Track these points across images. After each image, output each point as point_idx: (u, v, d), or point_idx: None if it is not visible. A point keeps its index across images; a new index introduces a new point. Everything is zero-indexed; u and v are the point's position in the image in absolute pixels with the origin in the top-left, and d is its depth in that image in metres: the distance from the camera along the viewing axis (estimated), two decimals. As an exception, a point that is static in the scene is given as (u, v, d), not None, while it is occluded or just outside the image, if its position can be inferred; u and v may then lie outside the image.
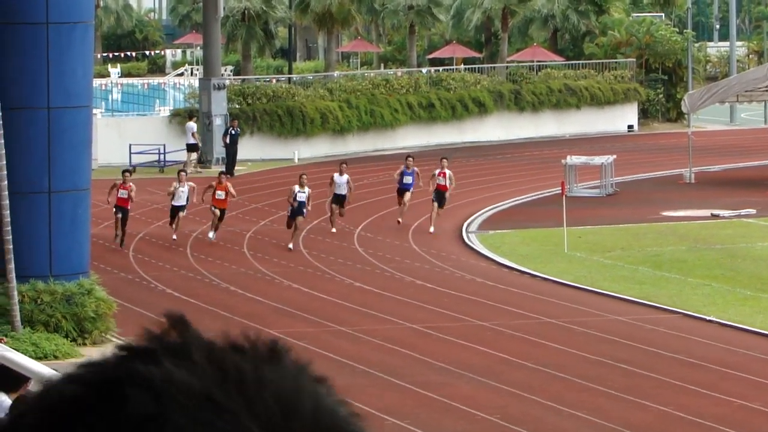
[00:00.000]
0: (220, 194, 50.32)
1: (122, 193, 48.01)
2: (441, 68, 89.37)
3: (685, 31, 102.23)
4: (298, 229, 51.70)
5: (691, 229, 54.48)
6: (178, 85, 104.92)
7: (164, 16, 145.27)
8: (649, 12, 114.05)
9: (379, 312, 42.57)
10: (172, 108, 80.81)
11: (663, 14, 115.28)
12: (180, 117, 75.33)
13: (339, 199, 52.75)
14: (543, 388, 35.87)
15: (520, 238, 51.46)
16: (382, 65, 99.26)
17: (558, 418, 33.53)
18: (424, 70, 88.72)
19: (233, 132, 69.80)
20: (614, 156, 65.40)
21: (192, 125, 72.27)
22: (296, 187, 51.24)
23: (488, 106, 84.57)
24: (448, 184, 49.09)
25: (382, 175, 67.19)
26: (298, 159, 74.12)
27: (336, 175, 52.52)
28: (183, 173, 50.26)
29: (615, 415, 33.36)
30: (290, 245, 51.05)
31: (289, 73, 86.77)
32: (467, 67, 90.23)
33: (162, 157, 72.40)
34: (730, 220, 56.11)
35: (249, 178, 69.20)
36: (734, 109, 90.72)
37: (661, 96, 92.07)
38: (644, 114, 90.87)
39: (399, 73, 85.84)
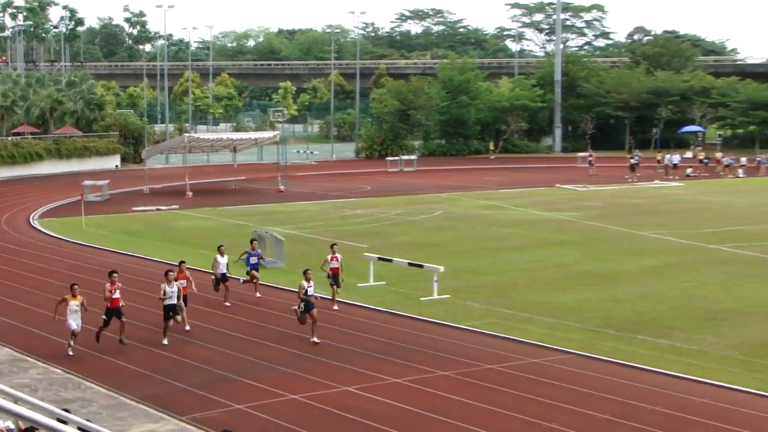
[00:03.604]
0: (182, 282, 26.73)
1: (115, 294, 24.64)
2: None
3: (143, 118, 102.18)
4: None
5: (149, 215, 54.84)
6: None
7: None
8: (125, 109, 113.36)
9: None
10: None
11: (132, 110, 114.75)
12: None
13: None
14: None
15: (63, 223, 51.00)
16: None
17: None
18: None
19: None
20: (108, 181, 65.48)
21: None
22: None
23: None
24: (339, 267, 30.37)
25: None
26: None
27: (218, 257, 31.07)
28: (171, 273, 25.94)
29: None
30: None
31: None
32: None
33: None
34: (165, 212, 56.86)
35: None
36: (168, 157, 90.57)
37: (131, 150, 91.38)
38: (123, 159, 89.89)
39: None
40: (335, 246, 31.08)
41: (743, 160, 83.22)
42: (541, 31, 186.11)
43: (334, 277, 29.97)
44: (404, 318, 28.55)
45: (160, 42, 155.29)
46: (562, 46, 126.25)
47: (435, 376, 22.58)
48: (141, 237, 46.09)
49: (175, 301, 25.64)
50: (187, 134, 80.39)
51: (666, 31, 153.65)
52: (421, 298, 30.75)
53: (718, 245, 41.65)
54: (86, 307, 24.36)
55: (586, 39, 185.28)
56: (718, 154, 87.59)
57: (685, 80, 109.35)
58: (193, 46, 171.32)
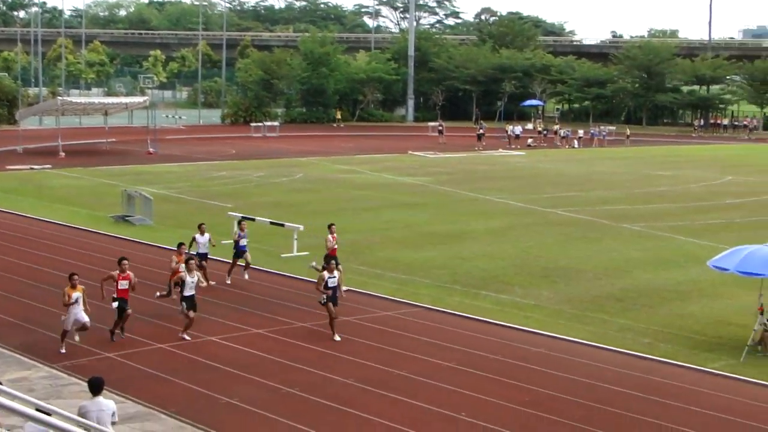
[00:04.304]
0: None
1: (122, 284, 20.92)
2: None
3: (17, 82, 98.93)
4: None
5: (23, 174, 53.26)
6: None
7: None
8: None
9: None
10: None
11: (6, 74, 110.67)
12: None
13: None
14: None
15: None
16: None
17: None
18: None
19: None
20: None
21: None
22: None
23: None
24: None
25: None
26: None
27: (197, 235, 26.37)
28: (192, 261, 22.13)
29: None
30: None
31: None
32: None
33: None
34: (38, 171, 55.29)
35: None
36: (41, 119, 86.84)
37: (5, 111, 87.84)
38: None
39: None
40: (333, 226, 26.78)
41: (581, 132, 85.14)
42: (396, 9, 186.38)
43: (331, 258, 24.31)
44: (266, 273, 28.29)
45: (34, 9, 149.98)
46: (415, 23, 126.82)
47: (295, 327, 22.43)
48: (15, 194, 45.04)
49: (194, 292, 21.43)
50: (60, 98, 78.50)
51: (510, 13, 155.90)
52: (282, 255, 30.54)
53: (555, 209, 42.51)
54: (85, 300, 20.45)
55: (438, 17, 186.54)
56: (556, 126, 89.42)
57: (527, 58, 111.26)
58: (67, 13, 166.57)
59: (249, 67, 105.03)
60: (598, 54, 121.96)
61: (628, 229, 37.68)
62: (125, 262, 21.18)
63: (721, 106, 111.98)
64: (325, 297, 21.58)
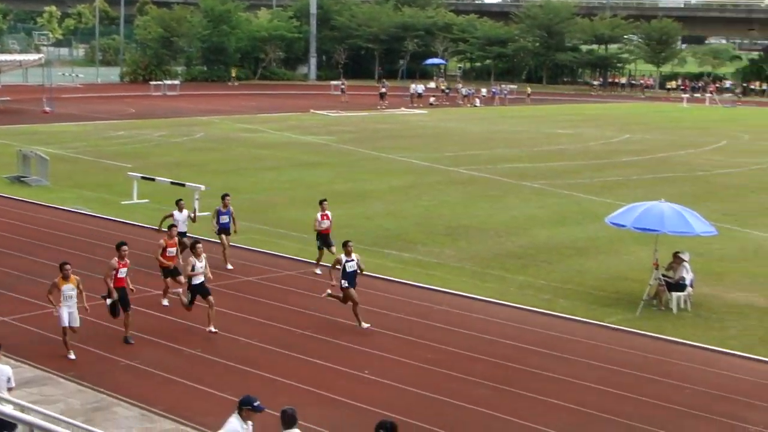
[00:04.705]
0: (171, 251, 20.99)
1: (121, 272, 18.47)
2: None
3: None
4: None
5: None
6: None
7: None
8: None
9: None
10: None
11: None
12: None
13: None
14: None
15: None
16: None
17: None
18: None
19: None
20: None
21: None
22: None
23: None
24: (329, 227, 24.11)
25: None
26: None
27: (175, 212, 24.06)
28: (199, 246, 19.28)
29: None
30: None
31: None
32: None
33: None
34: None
35: None
36: None
37: None
38: None
39: None
40: (325, 202, 24.47)
41: (484, 91, 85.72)
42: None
43: (324, 238, 23.96)
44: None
45: None
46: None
47: (196, 288, 22.20)
48: None
49: (203, 279, 19.13)
50: (-51, 54, 76.12)
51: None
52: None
53: (457, 168, 42.82)
54: (81, 290, 17.72)
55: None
56: (458, 85, 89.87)
57: (429, 16, 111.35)
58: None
59: (148, 24, 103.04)
60: (499, 13, 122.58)
61: (529, 186, 38.21)
62: (125, 247, 18.59)
63: (618, 65, 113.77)
64: (345, 283, 19.44)
